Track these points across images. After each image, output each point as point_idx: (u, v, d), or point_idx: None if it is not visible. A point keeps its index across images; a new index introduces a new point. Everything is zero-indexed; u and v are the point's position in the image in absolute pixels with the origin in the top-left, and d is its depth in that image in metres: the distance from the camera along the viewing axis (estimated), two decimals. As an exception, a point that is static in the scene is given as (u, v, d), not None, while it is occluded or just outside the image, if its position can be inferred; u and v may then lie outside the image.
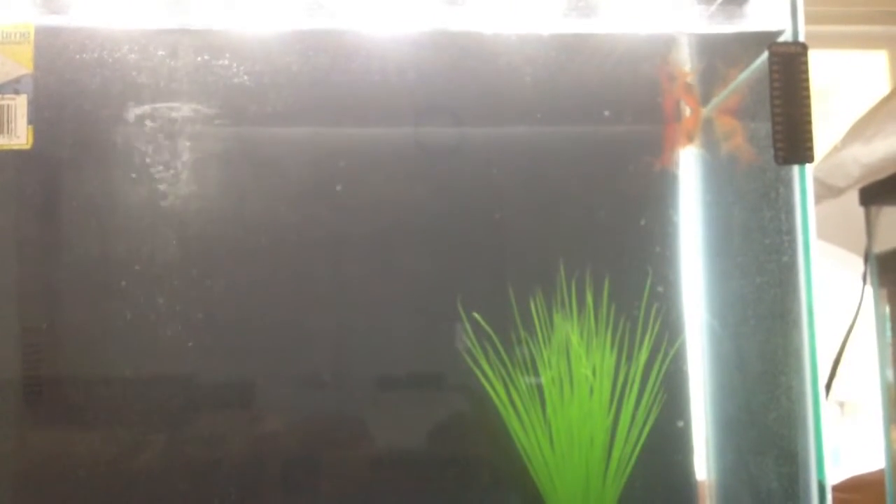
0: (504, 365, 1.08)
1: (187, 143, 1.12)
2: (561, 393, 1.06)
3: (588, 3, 1.05)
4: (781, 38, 1.01)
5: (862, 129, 1.15)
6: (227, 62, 1.12)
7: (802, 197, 0.98)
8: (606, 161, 1.20)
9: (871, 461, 1.28)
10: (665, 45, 1.19)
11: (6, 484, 1.09)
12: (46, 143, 1.06)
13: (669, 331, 1.14)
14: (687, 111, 1.21)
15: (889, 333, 1.14)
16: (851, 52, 1.73)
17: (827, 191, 1.18)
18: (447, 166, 1.19)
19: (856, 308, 1.17)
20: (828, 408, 0.97)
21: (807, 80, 0.98)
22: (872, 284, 1.16)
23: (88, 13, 1.04)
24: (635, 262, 1.17)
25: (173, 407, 1.11)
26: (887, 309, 1.14)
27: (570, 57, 1.17)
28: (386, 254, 1.17)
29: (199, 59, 1.12)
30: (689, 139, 1.19)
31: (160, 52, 1.11)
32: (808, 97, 0.98)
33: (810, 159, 0.98)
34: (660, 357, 1.10)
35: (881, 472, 1.15)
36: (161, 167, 1.11)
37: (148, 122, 1.11)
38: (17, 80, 0.99)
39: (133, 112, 1.11)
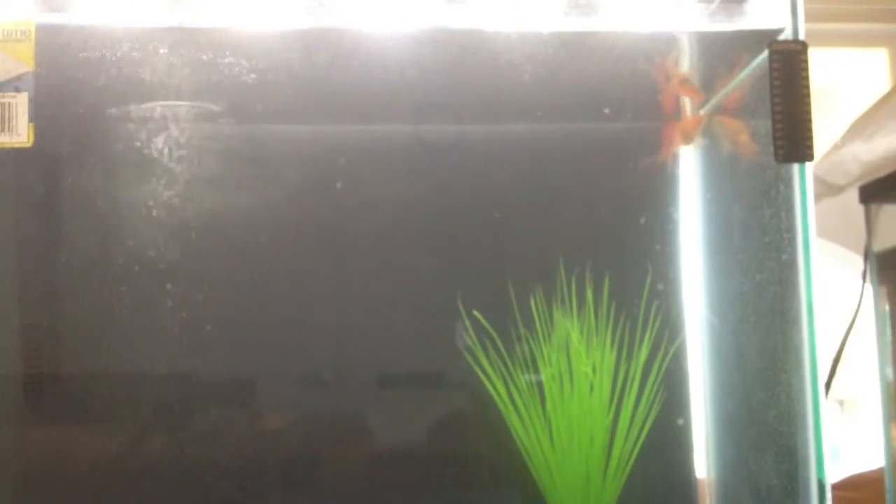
0: (504, 363, 1.08)
1: (187, 141, 1.12)
2: (561, 390, 1.06)
3: (589, 2, 1.05)
4: (781, 36, 1.01)
5: (862, 127, 1.15)
6: (227, 60, 1.12)
7: (802, 195, 0.98)
8: (607, 159, 1.20)
9: (871, 459, 1.28)
10: (665, 44, 1.19)
11: (7, 481, 1.09)
12: (47, 140, 1.06)
13: (669, 328, 1.14)
14: (688, 109, 1.21)
15: (889, 331, 1.14)
16: (851, 50, 1.72)
17: (827, 189, 1.18)
18: (447, 164, 1.19)
19: (855, 306, 1.17)
20: (827, 406, 0.97)
21: (807, 78, 0.98)
22: (872, 282, 1.16)
23: (88, 11, 1.04)
24: (635, 259, 1.17)
25: (174, 404, 1.11)
26: (887, 307, 1.14)
27: (570, 54, 1.17)
28: (386, 251, 1.17)
29: (199, 57, 1.12)
30: (690, 137, 1.19)
31: (161, 50, 1.11)
32: (808, 95, 0.98)
33: (810, 157, 0.98)
34: (660, 355, 1.10)
35: (881, 470, 1.15)
36: (161, 165, 1.11)
37: (148, 121, 1.11)
38: (18, 78, 0.99)
39: (133, 110, 1.11)
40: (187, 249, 1.12)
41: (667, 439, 1.16)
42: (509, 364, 1.08)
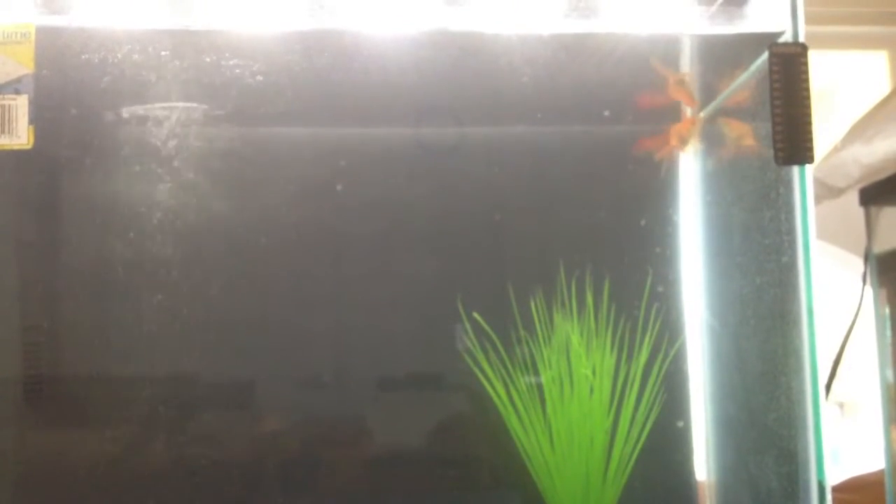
0: (504, 365, 1.08)
1: (187, 143, 1.12)
2: (561, 393, 1.06)
3: (588, 4, 1.05)
4: (782, 39, 1.01)
5: (862, 129, 1.15)
6: (228, 63, 1.12)
7: (802, 197, 0.98)
8: (606, 161, 1.20)
9: (871, 461, 1.28)
10: (665, 46, 1.19)
11: (6, 482, 1.09)
12: (47, 142, 1.06)
13: (669, 331, 1.14)
14: (687, 111, 1.21)
15: (889, 334, 1.14)
16: (851, 52, 1.73)
17: (827, 191, 1.18)
18: (447, 166, 1.19)
19: (855, 308, 1.17)
20: (827, 408, 0.97)
21: (807, 80, 0.98)
22: (872, 285, 1.16)
23: (89, 13, 1.04)
24: (635, 262, 1.17)
25: (174, 406, 1.11)
26: (887, 309, 1.14)
27: (570, 57, 1.17)
28: (386, 253, 1.17)
29: (200, 59, 1.12)
30: (685, 139, 1.19)
31: (161, 53, 1.11)
32: (808, 98, 0.98)
33: (810, 160, 0.98)
34: (660, 357, 1.10)
35: (881, 472, 1.15)
36: (161, 167, 1.11)
37: (148, 123, 1.11)
38: (19, 80, 0.99)
39: (133, 112, 1.11)
40: (187, 251, 1.12)
41: (667, 441, 1.16)
42: (509, 366, 1.08)
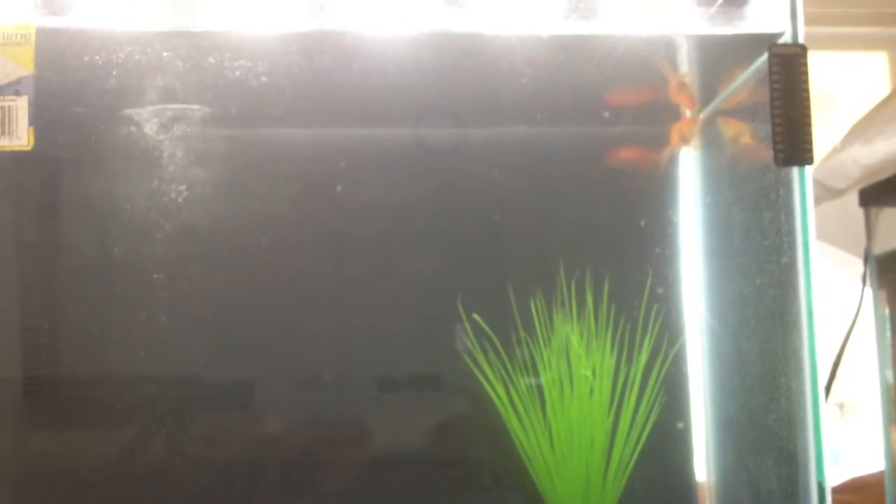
0: (504, 366, 1.08)
1: (187, 145, 1.12)
2: (561, 394, 1.06)
3: (588, 6, 1.05)
4: (781, 40, 1.01)
5: (862, 130, 1.15)
6: (228, 64, 1.12)
7: (802, 198, 0.98)
8: (606, 162, 1.20)
9: (871, 463, 1.28)
10: (665, 47, 1.19)
11: (6, 483, 1.09)
12: (47, 143, 1.06)
13: (669, 332, 1.14)
14: (686, 113, 1.21)
15: (889, 334, 1.14)
16: (851, 53, 1.73)
17: (827, 192, 1.18)
18: (448, 167, 1.19)
19: (855, 309, 1.17)
20: (827, 409, 0.97)
21: (806, 81, 0.98)
22: (872, 286, 1.16)
23: (89, 14, 1.04)
24: (635, 262, 1.17)
25: (174, 407, 1.11)
26: (887, 310, 1.14)
27: (570, 58, 1.17)
28: (386, 254, 1.17)
29: (200, 61, 1.12)
30: (685, 138, 1.19)
31: (162, 54, 1.11)
32: (807, 99, 0.98)
33: (810, 161, 0.98)
34: (660, 358, 1.10)
35: (881, 473, 1.15)
36: (162, 168, 1.11)
37: (148, 124, 1.11)
38: (18, 82, 0.99)
39: (133, 113, 1.11)
40: (188, 252, 1.12)
41: (667, 443, 1.16)
42: (509, 367, 1.08)
